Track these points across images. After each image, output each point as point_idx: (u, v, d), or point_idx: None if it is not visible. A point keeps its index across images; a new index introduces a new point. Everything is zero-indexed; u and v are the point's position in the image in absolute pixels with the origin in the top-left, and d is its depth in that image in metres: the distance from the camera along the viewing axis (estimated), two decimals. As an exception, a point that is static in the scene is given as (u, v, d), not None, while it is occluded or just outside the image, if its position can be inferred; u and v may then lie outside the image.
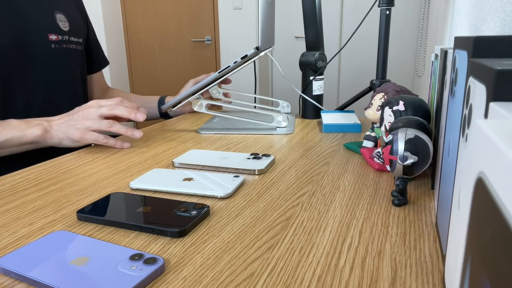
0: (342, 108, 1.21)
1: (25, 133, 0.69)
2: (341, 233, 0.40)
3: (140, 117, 0.70)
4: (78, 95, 0.94)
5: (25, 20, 0.80)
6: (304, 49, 1.21)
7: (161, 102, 1.03)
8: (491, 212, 0.14)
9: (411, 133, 0.45)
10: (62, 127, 0.70)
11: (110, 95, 1.10)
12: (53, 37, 0.84)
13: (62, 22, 0.88)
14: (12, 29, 0.78)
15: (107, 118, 0.71)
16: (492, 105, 0.18)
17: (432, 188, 0.52)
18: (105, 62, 1.10)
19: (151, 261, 0.34)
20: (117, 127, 0.70)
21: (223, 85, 1.03)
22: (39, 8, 0.83)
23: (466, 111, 0.26)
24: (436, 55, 0.56)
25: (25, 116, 0.82)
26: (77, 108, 0.72)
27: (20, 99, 0.80)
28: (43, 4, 0.84)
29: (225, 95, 1.01)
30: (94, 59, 1.04)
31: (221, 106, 1.18)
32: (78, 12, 0.97)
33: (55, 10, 0.87)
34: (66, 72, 0.89)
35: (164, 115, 1.05)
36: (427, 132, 0.48)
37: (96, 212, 0.44)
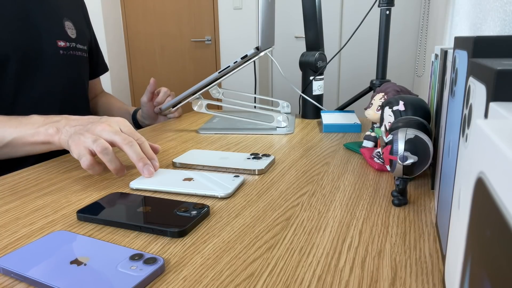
0: (342, 108, 1.21)
1: (38, 131, 0.59)
2: (341, 233, 0.40)
3: (147, 173, 0.55)
4: (82, 101, 0.96)
5: (36, 26, 0.81)
6: (304, 49, 1.21)
7: (134, 114, 1.03)
8: (491, 212, 0.14)
9: (411, 133, 0.45)
10: (73, 129, 0.58)
11: (98, 100, 1.10)
12: (61, 43, 0.86)
13: (70, 29, 0.89)
14: (23, 35, 0.79)
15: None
16: (492, 105, 0.18)
17: (432, 188, 0.52)
18: (103, 70, 1.11)
19: (151, 261, 0.34)
20: (109, 157, 0.54)
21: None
22: (49, 15, 0.85)
23: (466, 111, 0.26)
24: (436, 55, 0.56)
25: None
26: (104, 117, 0.60)
27: (28, 103, 0.81)
28: (53, 11, 0.86)
29: None
30: (94, 66, 1.05)
31: (221, 106, 1.18)
32: (84, 20, 0.99)
33: (64, 18, 0.88)
34: (73, 78, 0.90)
35: (139, 126, 1.04)
36: (427, 132, 0.48)
37: (96, 212, 0.44)
